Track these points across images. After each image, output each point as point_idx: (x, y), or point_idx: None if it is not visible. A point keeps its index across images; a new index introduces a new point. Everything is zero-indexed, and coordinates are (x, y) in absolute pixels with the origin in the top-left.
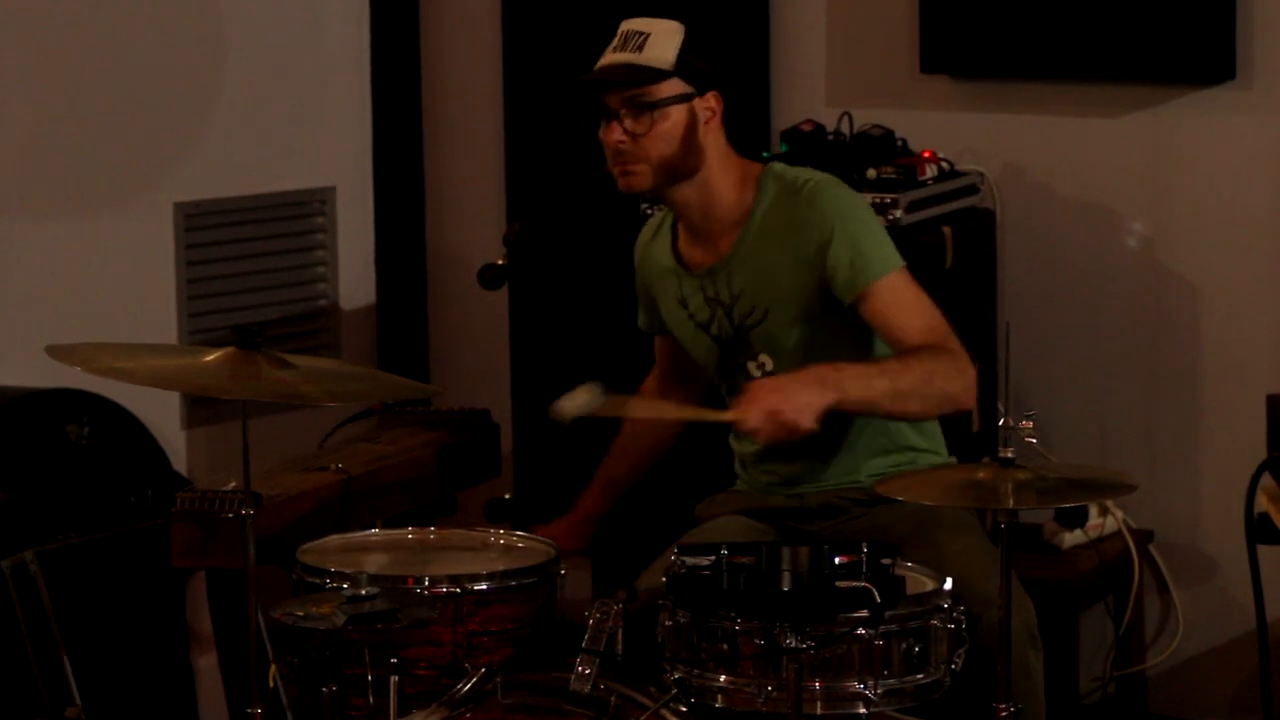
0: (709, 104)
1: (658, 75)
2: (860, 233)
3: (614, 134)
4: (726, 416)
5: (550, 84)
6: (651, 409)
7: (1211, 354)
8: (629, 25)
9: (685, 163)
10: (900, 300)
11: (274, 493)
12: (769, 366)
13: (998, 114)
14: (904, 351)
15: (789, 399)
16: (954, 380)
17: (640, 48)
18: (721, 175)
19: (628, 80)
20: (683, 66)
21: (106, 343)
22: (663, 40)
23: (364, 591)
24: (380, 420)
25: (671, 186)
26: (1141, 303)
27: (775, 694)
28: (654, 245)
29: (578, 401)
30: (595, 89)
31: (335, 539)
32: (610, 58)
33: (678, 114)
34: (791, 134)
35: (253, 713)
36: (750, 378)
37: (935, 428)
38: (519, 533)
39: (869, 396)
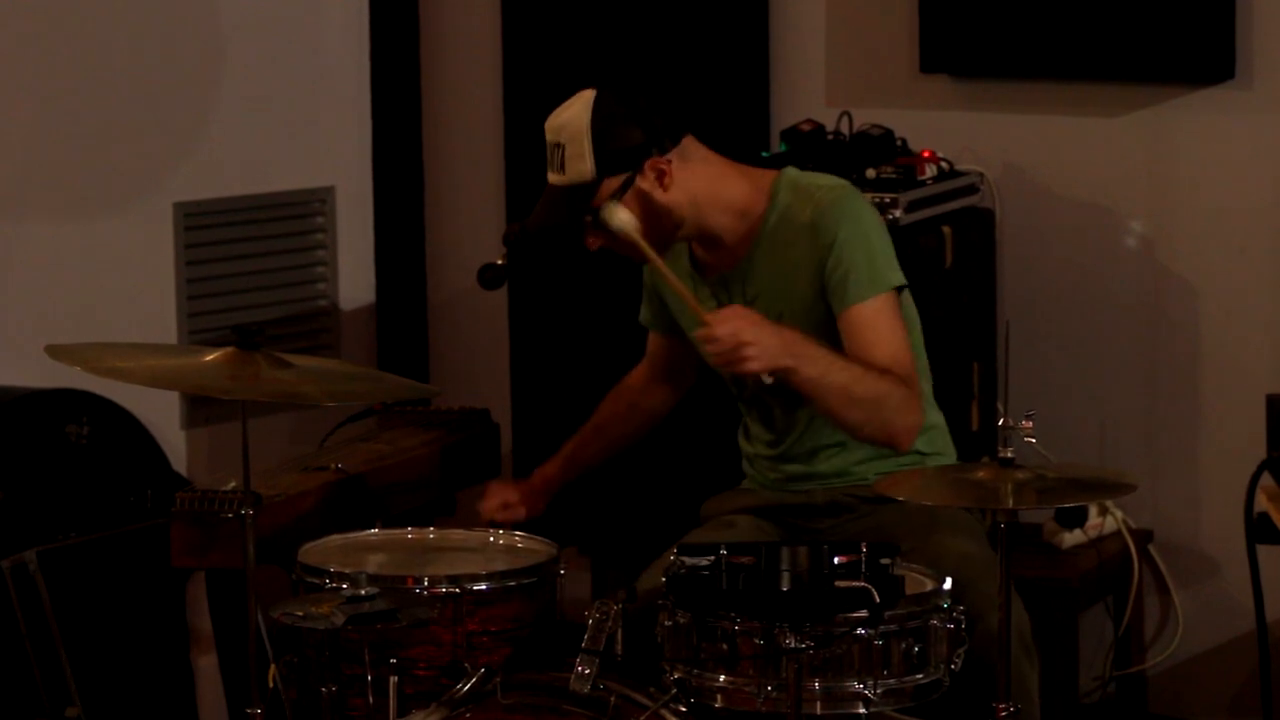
0: (654, 168)
1: (589, 191)
2: (857, 250)
3: (592, 245)
4: (704, 316)
5: (550, 84)
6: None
7: (1211, 354)
8: (547, 133)
9: (663, 228)
10: (875, 327)
11: (274, 493)
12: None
13: (998, 114)
14: (874, 366)
15: (757, 337)
16: (902, 415)
17: (561, 165)
18: (716, 200)
19: (567, 213)
20: (604, 163)
21: (106, 343)
22: (576, 147)
23: (364, 591)
24: (380, 420)
25: (672, 240)
26: (1141, 303)
27: (775, 694)
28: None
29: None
30: (552, 231)
31: (335, 539)
32: (549, 176)
33: (626, 205)
34: (791, 134)
35: (253, 713)
36: (762, 384)
37: (945, 433)
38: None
39: (822, 383)
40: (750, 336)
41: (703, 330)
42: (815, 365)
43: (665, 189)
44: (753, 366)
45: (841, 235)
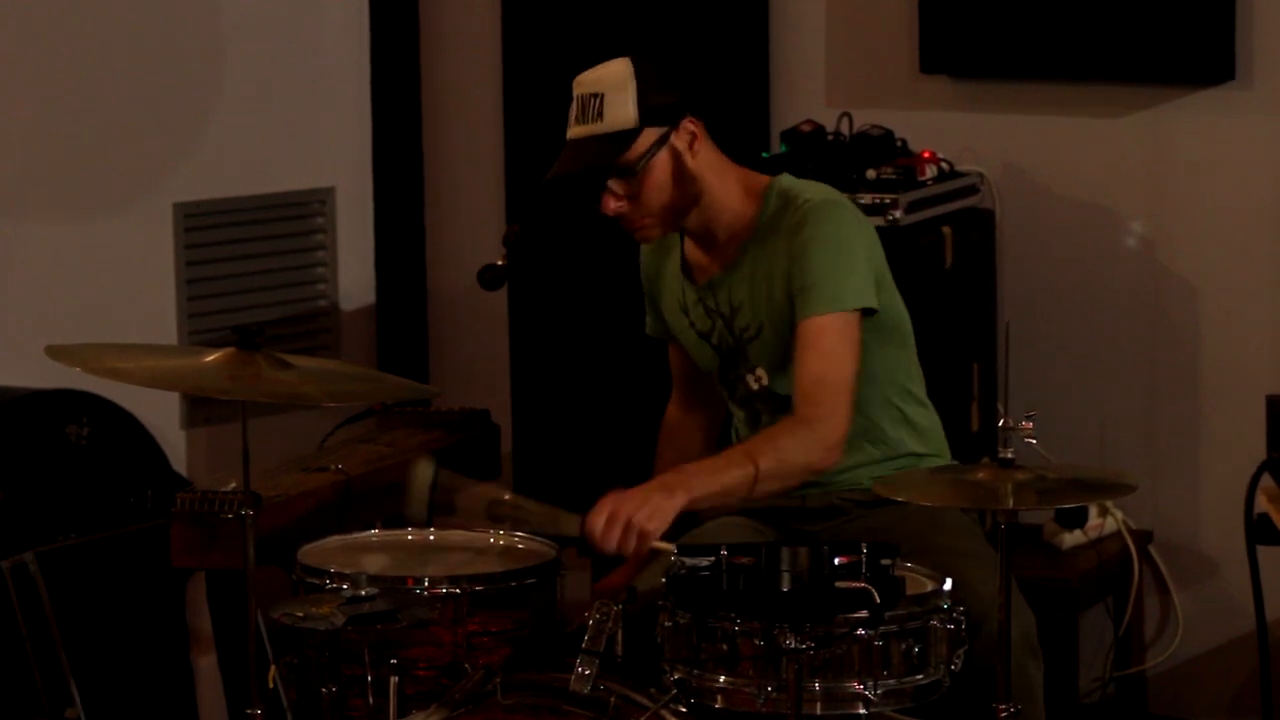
0: (688, 129)
1: (628, 138)
2: (823, 263)
3: (610, 205)
4: (571, 531)
5: (550, 84)
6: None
7: (1211, 354)
8: (580, 87)
9: (686, 197)
10: (815, 345)
11: (274, 493)
12: (765, 381)
13: (998, 114)
14: (759, 433)
15: (635, 507)
16: (810, 452)
17: (600, 114)
18: (721, 190)
19: (601, 159)
20: (647, 114)
21: (106, 343)
22: (618, 97)
23: (364, 592)
24: (380, 421)
25: (685, 215)
26: (1141, 303)
27: (775, 694)
28: (661, 248)
29: (417, 491)
30: (575, 179)
31: (335, 539)
32: (574, 131)
33: (661, 161)
34: (791, 134)
35: (252, 713)
36: (749, 390)
37: (938, 433)
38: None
39: (719, 489)
40: (629, 508)
41: (587, 536)
42: (702, 483)
43: (694, 154)
44: (654, 526)
45: (812, 246)
